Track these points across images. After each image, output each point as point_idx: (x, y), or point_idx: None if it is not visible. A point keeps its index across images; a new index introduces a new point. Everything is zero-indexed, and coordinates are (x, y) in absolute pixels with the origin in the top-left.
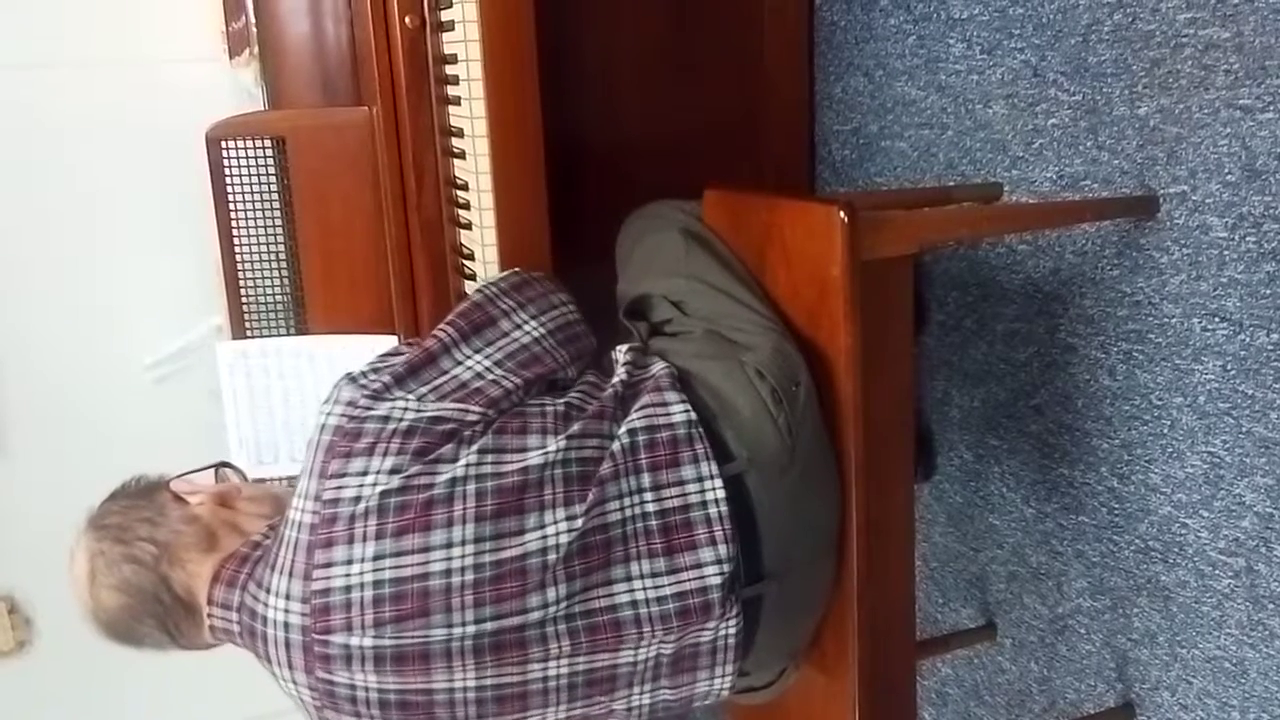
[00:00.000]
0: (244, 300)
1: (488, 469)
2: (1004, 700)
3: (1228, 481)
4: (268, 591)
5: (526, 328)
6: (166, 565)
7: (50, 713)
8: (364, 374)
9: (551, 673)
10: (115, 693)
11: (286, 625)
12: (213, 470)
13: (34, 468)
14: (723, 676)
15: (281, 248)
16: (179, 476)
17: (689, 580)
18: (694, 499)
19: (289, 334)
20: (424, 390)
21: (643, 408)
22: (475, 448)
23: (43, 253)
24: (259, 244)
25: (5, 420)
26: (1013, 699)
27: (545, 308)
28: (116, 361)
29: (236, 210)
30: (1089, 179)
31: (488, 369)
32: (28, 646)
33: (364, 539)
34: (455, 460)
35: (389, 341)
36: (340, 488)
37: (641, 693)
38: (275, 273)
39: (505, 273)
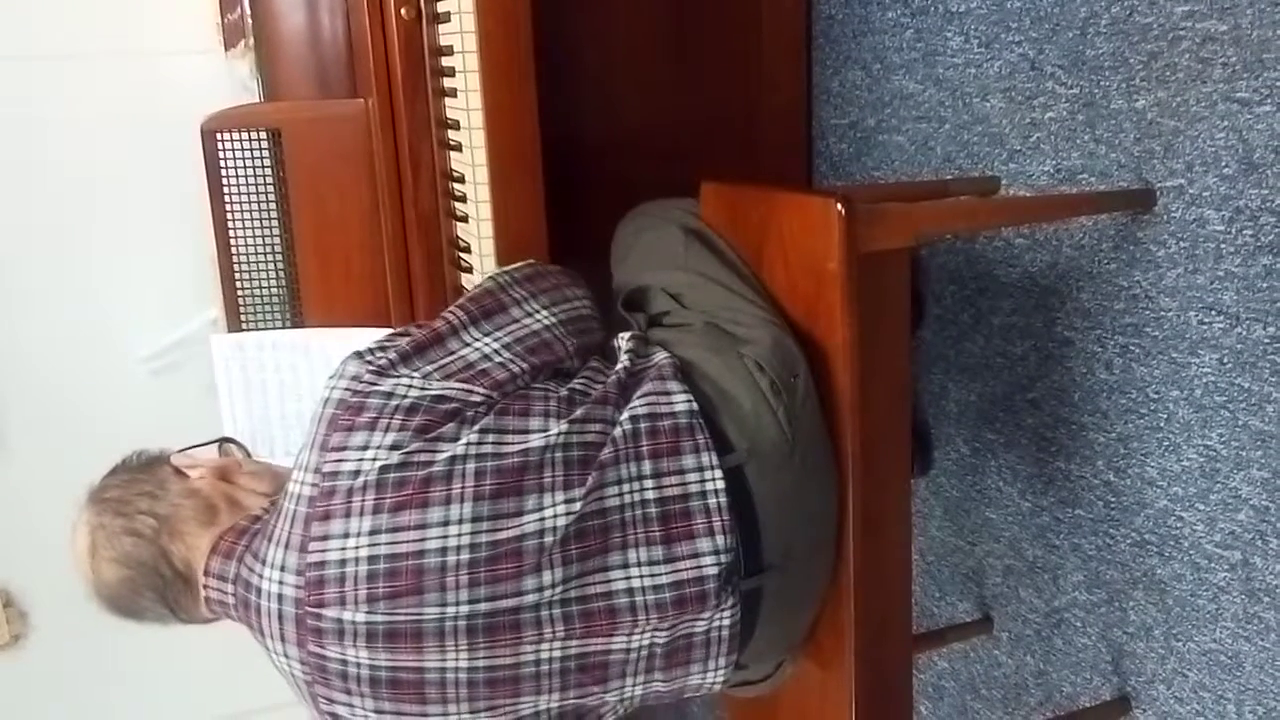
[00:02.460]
0: (239, 293)
1: (488, 449)
2: (1000, 694)
3: (1224, 475)
4: (263, 563)
5: (538, 316)
6: (167, 538)
7: (45, 706)
8: (371, 350)
9: (544, 656)
10: (110, 686)
11: (280, 597)
12: (216, 446)
13: (29, 461)
14: (715, 670)
15: (277, 240)
16: (180, 451)
17: (685, 570)
18: (694, 489)
19: (284, 327)
20: (430, 369)
21: (645, 395)
22: (477, 427)
23: (38, 245)
24: (254, 236)
25: (1, 414)
26: (1009, 692)
27: (558, 299)
28: (112, 354)
29: (232, 202)
30: (1086, 172)
31: (496, 351)
32: (23, 640)
33: (361, 513)
34: (456, 439)
35: (384, 334)
36: (340, 461)
37: (634, 683)
38: (271, 265)
39: (519, 263)
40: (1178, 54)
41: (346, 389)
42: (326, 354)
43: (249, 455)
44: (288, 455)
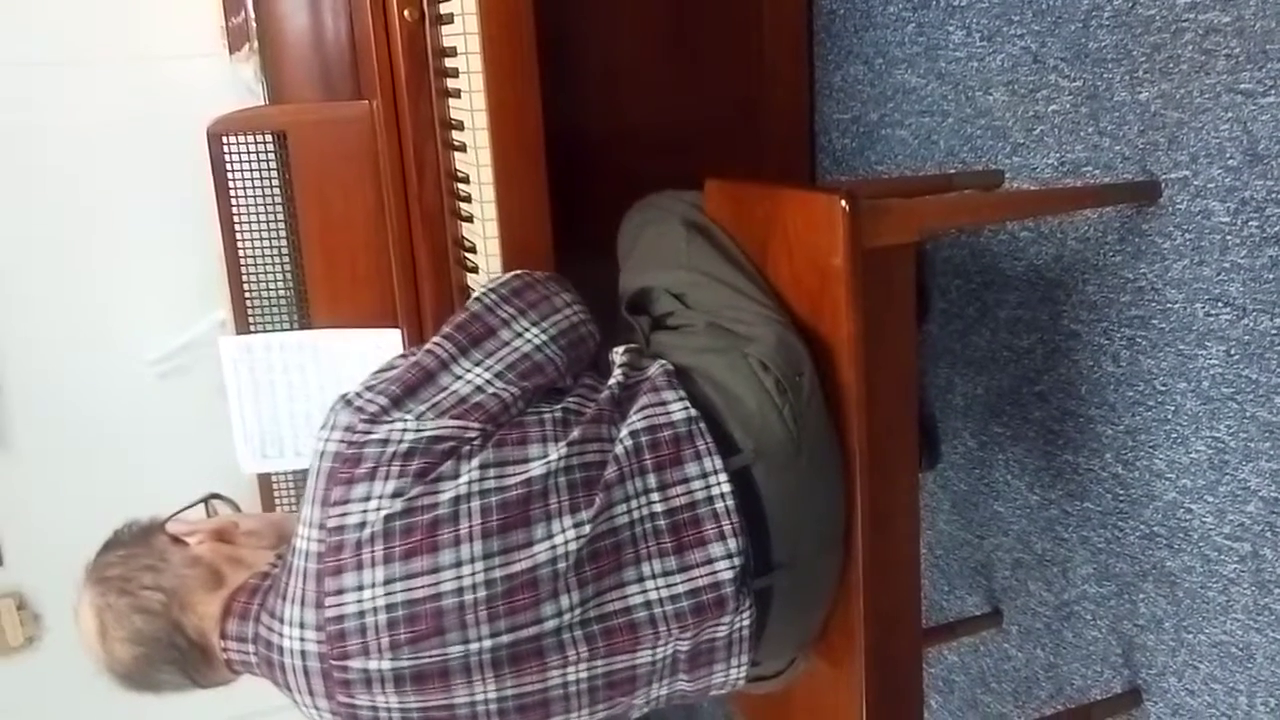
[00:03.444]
0: (247, 295)
1: (491, 484)
2: (1010, 687)
3: (1232, 466)
4: (281, 621)
5: (528, 335)
6: (177, 611)
7: (59, 708)
8: (359, 395)
9: (571, 678)
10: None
11: (304, 654)
12: (202, 505)
13: (42, 465)
14: (739, 667)
15: (284, 242)
16: (171, 518)
17: (701, 577)
18: (700, 495)
19: (292, 328)
20: (422, 409)
21: (642, 409)
22: (476, 462)
23: (46, 250)
24: (261, 239)
25: (11, 418)
26: (1019, 686)
27: (548, 312)
28: (120, 358)
29: (238, 205)
30: (1090, 165)
31: (488, 381)
32: (37, 642)
33: (372, 564)
34: (456, 477)
35: (392, 335)
36: (344, 514)
37: (660, 687)
38: (278, 267)
39: (507, 276)
40: (1181, 46)
41: (341, 440)
42: (334, 354)
43: (237, 508)
44: (297, 455)
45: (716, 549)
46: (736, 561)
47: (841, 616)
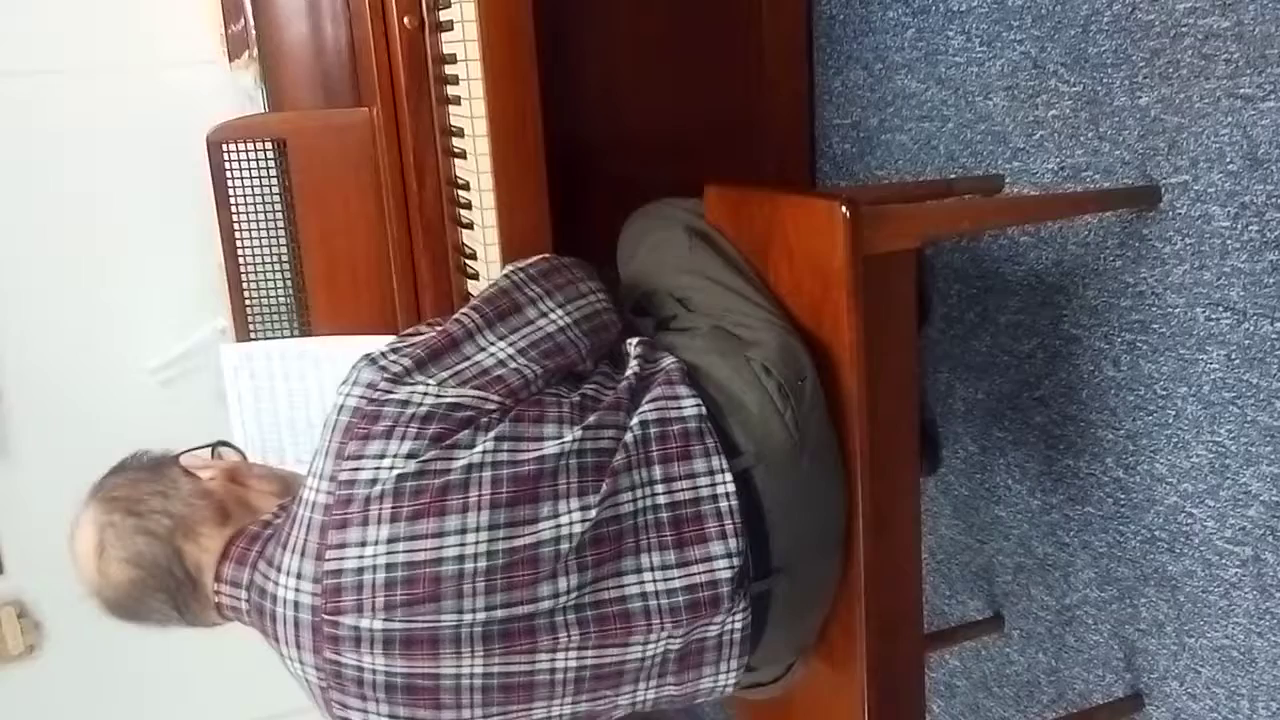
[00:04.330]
0: (247, 302)
1: (504, 456)
2: (1012, 691)
3: (1233, 471)
4: (278, 570)
5: (552, 316)
6: (181, 538)
7: (60, 716)
8: (384, 355)
9: (559, 664)
10: (124, 696)
11: (297, 604)
12: (210, 449)
13: (42, 474)
14: (727, 673)
15: (284, 249)
16: (185, 452)
17: (699, 573)
18: (704, 492)
19: (293, 336)
20: (444, 375)
21: (654, 400)
22: (492, 435)
23: (46, 257)
24: (261, 246)
25: (11, 425)
26: (1021, 690)
27: (572, 295)
28: (121, 365)
29: (238, 213)
30: (1090, 170)
31: (510, 357)
32: (37, 650)
33: (378, 521)
34: (472, 446)
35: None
36: (357, 469)
37: (647, 688)
38: (278, 275)
39: (534, 258)
40: (1180, 50)
41: (362, 396)
42: (335, 362)
43: (245, 458)
44: (298, 463)
45: (717, 547)
46: (736, 561)
47: (843, 621)
